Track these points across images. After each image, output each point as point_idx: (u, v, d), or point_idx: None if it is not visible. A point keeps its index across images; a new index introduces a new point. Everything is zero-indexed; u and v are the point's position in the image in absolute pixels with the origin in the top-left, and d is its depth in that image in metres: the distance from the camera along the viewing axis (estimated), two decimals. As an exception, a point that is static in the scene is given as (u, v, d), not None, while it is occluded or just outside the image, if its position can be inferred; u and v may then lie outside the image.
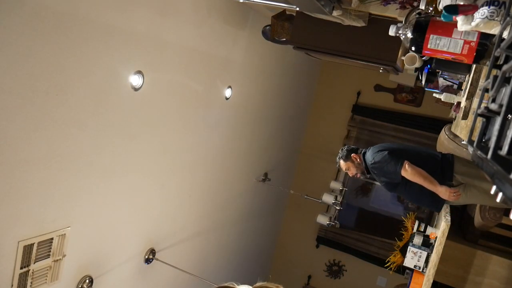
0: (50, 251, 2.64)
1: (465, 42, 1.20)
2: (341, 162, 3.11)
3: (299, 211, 6.55)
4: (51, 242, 2.63)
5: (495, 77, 0.71)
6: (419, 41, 1.26)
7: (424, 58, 2.61)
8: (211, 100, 4.01)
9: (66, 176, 2.60)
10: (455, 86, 2.66)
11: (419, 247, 3.06)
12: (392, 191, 3.08)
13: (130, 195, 3.25)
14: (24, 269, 2.49)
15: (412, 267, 3.07)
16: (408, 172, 2.78)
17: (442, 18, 1.04)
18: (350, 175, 3.13)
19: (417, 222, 3.29)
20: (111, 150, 2.93)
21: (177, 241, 4.06)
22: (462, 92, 2.31)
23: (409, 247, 3.08)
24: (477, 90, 1.82)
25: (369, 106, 6.30)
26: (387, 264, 3.45)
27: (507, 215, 2.89)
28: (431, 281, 2.93)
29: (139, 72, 2.96)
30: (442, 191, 2.79)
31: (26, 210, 2.41)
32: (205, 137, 4.06)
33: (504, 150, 0.54)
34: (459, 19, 1.04)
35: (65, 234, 2.71)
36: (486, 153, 0.61)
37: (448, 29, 1.22)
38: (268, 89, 5.10)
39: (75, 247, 2.82)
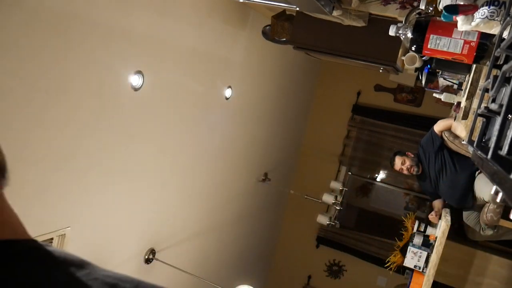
0: (50, 251, 2.63)
1: (465, 42, 1.20)
2: (397, 157, 3.39)
3: (299, 211, 6.55)
4: (51, 242, 2.62)
5: (495, 77, 0.71)
6: (419, 41, 1.25)
7: (424, 58, 2.62)
8: (211, 100, 4.00)
9: (65, 176, 2.60)
10: (455, 86, 2.66)
11: (419, 247, 3.06)
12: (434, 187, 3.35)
13: (130, 195, 3.25)
14: (24, 269, 2.49)
15: (412, 267, 3.07)
16: (436, 125, 3.21)
17: (442, 18, 1.04)
18: (405, 170, 3.35)
19: (417, 222, 3.29)
20: (111, 150, 2.93)
21: (177, 241, 4.05)
22: (462, 92, 2.30)
23: (409, 247, 3.08)
24: (477, 90, 1.81)
25: (369, 106, 6.29)
26: (387, 264, 3.44)
27: (506, 217, 2.89)
28: (431, 281, 2.93)
29: (139, 72, 2.96)
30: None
31: (25, 210, 2.41)
32: (205, 137, 4.06)
33: (504, 150, 0.54)
34: (459, 19, 1.04)
35: (65, 234, 2.70)
36: (486, 153, 0.61)
37: (448, 29, 1.22)
38: (268, 89, 5.10)
39: (75, 247, 2.81)
